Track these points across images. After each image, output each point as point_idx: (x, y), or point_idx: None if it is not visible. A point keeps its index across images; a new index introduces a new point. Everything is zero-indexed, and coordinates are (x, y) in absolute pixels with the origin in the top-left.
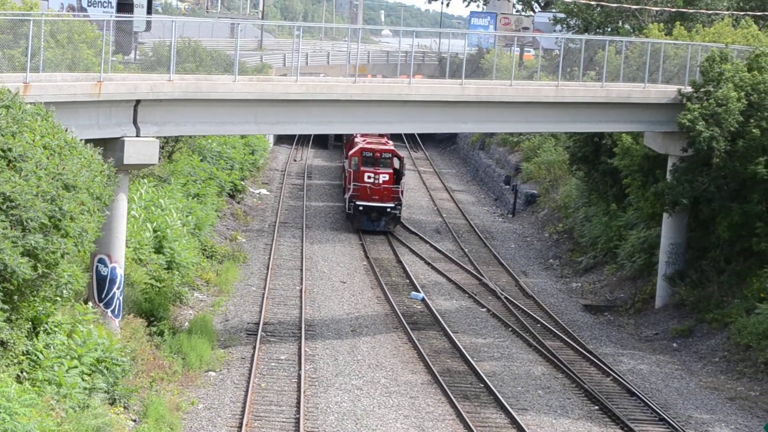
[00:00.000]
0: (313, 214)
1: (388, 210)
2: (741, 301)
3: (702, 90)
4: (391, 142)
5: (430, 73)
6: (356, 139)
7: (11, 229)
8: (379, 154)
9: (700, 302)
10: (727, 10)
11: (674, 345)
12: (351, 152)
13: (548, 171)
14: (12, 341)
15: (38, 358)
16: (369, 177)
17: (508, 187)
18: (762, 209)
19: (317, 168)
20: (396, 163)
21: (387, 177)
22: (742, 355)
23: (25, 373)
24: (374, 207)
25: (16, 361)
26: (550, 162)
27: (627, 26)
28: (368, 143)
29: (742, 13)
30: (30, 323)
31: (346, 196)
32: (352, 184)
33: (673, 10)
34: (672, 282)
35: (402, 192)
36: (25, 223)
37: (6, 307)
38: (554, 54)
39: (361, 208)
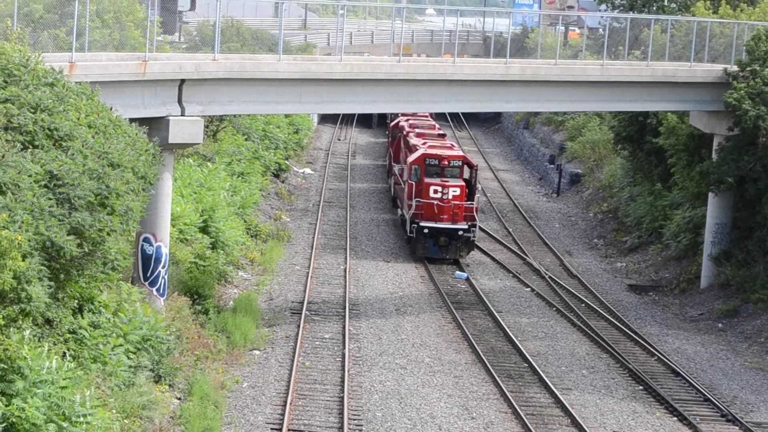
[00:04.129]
0: (358, 194)
1: (461, 233)
2: None
3: (748, 69)
4: (456, 146)
5: (474, 53)
6: (412, 139)
7: (58, 206)
8: (446, 162)
9: (745, 282)
10: None
11: (719, 325)
12: (411, 159)
13: (593, 150)
14: (58, 319)
15: (84, 336)
16: (435, 191)
17: (552, 166)
18: None
19: (361, 147)
20: (466, 173)
21: (458, 191)
22: None
23: (71, 351)
24: (443, 229)
25: (62, 339)
26: (594, 141)
27: (673, 4)
28: (431, 147)
29: None
30: (76, 302)
31: (406, 214)
32: (414, 200)
33: None
34: (717, 262)
35: (477, 210)
36: (72, 201)
37: (52, 284)
38: (599, 33)
39: (426, 230)
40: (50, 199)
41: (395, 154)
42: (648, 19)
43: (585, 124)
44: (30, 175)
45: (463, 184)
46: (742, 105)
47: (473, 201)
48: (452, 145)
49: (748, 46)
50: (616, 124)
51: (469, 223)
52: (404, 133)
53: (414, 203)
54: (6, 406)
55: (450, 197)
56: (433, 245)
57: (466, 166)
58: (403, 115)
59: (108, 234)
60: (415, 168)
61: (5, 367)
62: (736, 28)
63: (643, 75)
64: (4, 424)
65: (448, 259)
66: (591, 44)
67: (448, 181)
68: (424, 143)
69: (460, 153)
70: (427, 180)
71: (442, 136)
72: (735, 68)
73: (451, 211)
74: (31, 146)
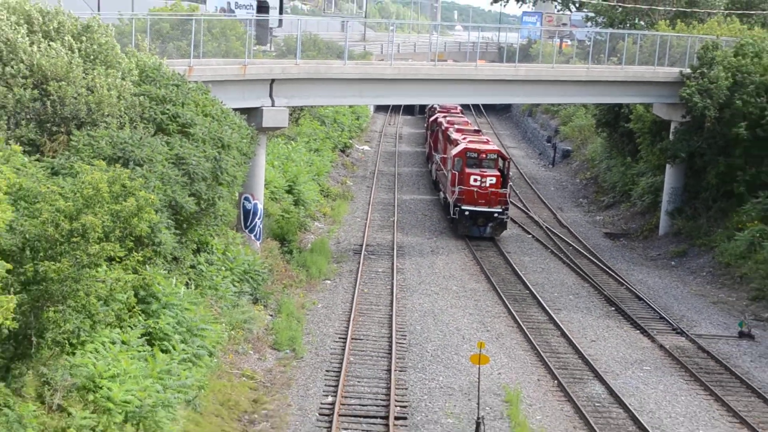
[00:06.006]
0: (404, 165)
1: (496, 215)
2: (723, 230)
3: (698, 71)
4: (491, 140)
5: (491, 59)
6: (452, 134)
7: (182, 176)
8: (484, 155)
9: (692, 231)
10: (723, 8)
11: (672, 263)
12: (454, 152)
13: (580, 132)
14: (182, 257)
15: (201, 270)
16: (475, 180)
17: (549, 144)
18: (741, 162)
19: (406, 130)
20: (500, 164)
21: (494, 180)
22: (723, 270)
23: (192, 281)
24: (481, 212)
25: (185, 272)
26: (581, 126)
27: (642, 23)
28: (471, 142)
29: (730, 11)
30: (195, 245)
31: (449, 198)
32: (456, 187)
33: (675, 9)
34: (672, 216)
35: (509, 195)
36: (192, 175)
37: (178, 232)
38: (586, 44)
39: (467, 213)
40: (176, 173)
41: (434, 144)
42: (623, 33)
43: (574, 112)
44: (160, 153)
45: (498, 174)
46: (692, 98)
47: (506, 188)
48: (488, 140)
49: (698, 54)
50: (597, 112)
51: (503, 207)
52: (443, 128)
53: (456, 189)
54: (146, 320)
55: (487, 185)
56: (473, 225)
57: (500, 159)
58: (440, 111)
59: (218, 198)
60: (457, 160)
61: (144, 293)
62: (689, 40)
63: (618, 76)
64: (145, 334)
65: (486, 237)
66: (579, 52)
67: (485, 171)
68: (464, 138)
69: (496, 147)
70: (468, 170)
71: (478, 131)
72: (688, 71)
73: (488, 197)
74: (161, 131)
